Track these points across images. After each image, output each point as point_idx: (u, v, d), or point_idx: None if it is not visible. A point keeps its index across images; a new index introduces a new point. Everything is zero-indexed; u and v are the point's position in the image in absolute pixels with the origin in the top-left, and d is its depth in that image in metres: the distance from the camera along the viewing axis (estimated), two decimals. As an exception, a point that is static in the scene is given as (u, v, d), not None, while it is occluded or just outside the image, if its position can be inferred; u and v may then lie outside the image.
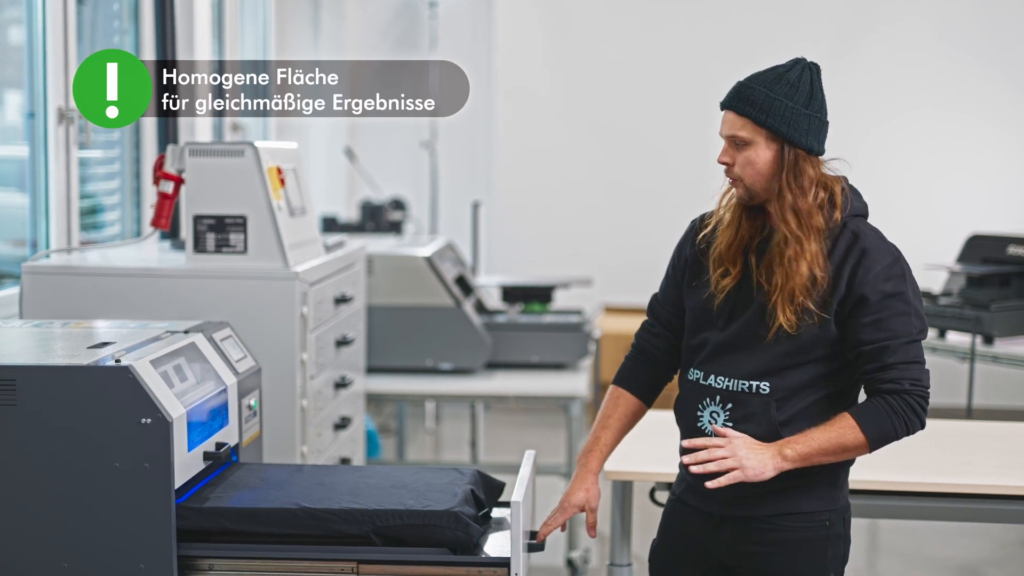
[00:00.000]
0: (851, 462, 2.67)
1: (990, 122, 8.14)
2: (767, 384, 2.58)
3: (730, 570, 2.69)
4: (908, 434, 2.56)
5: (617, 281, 7.93)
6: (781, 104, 2.55)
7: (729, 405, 2.61)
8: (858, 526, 5.72)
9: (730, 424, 2.61)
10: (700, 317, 2.68)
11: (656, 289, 2.87)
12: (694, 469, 2.53)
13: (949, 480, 3.31)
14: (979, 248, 6.03)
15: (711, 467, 2.51)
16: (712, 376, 2.64)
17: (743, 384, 2.60)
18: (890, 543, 5.69)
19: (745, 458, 2.50)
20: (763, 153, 2.56)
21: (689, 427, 2.69)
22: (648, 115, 8.30)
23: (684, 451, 2.75)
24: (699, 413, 2.66)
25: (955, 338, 5.86)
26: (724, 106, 2.60)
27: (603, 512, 3.55)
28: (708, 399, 2.64)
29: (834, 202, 2.59)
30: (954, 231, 7.17)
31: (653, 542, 2.84)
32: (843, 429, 2.52)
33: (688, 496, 2.73)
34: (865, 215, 2.65)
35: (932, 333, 5.91)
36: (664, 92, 8.30)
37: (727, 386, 2.62)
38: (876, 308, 2.53)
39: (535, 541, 2.72)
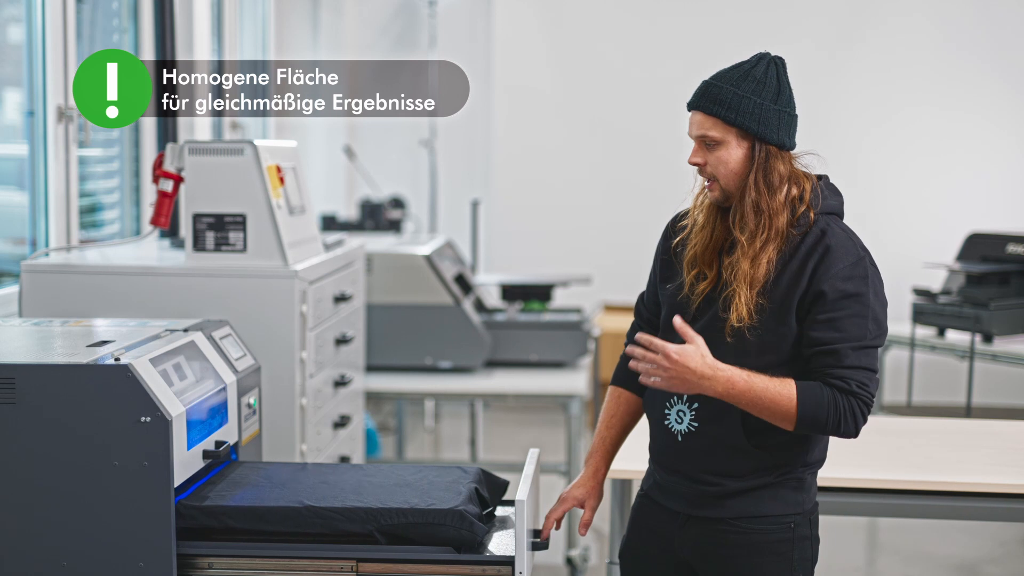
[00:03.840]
0: (820, 465, 2.66)
1: (990, 120, 8.14)
2: None
3: (695, 570, 2.68)
4: (836, 434, 2.52)
5: (616, 279, 7.93)
6: (750, 101, 2.53)
7: (695, 404, 2.59)
8: (857, 524, 5.73)
9: (696, 425, 2.59)
10: (671, 314, 2.65)
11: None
12: (638, 367, 2.48)
13: (948, 478, 3.32)
14: (978, 246, 6.03)
15: (651, 378, 2.47)
16: None
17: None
18: (889, 541, 5.70)
19: (670, 381, 2.45)
20: (735, 152, 2.55)
21: (657, 425, 2.68)
22: (647, 113, 8.30)
23: (652, 448, 2.74)
24: (666, 411, 2.64)
25: (954, 336, 5.86)
26: (691, 106, 2.59)
27: (602, 510, 3.55)
28: (675, 397, 2.62)
29: (803, 199, 2.57)
30: (953, 229, 7.18)
31: (623, 539, 2.83)
32: (781, 396, 2.46)
33: (655, 493, 2.73)
34: (840, 214, 2.62)
35: (931, 331, 5.92)
36: (663, 90, 8.30)
37: None
38: (832, 306, 2.50)
39: (539, 540, 2.73)
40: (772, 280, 2.53)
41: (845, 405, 2.48)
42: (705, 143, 2.57)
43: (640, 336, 2.51)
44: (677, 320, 2.50)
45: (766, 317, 2.53)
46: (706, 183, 2.61)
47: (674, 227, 2.75)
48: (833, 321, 2.50)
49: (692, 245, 2.64)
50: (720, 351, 2.56)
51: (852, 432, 2.50)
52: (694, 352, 2.45)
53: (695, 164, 2.59)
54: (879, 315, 2.53)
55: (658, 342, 2.46)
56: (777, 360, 2.55)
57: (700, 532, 2.64)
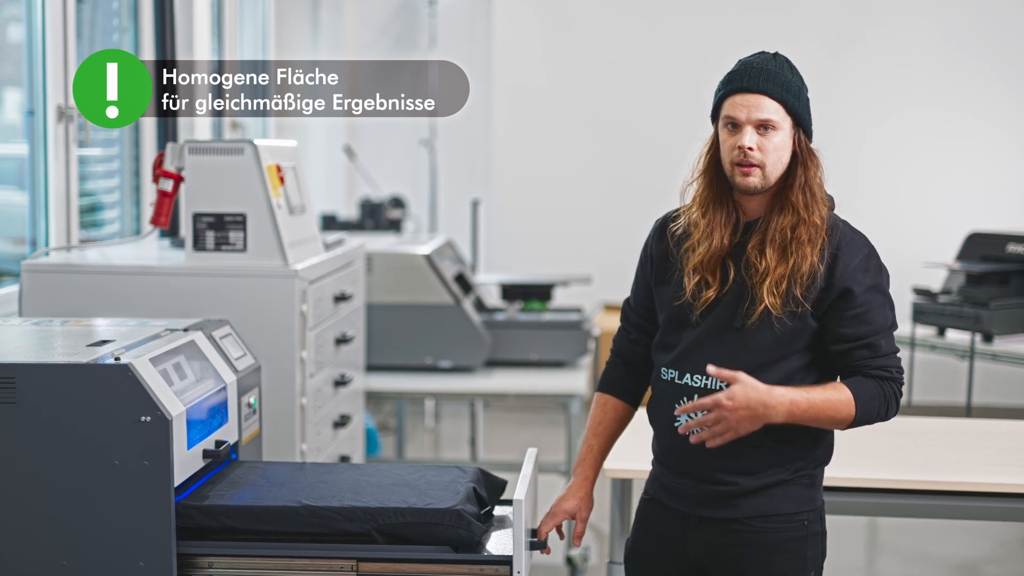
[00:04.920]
0: (829, 460, 2.67)
1: (990, 120, 8.14)
2: None
3: (707, 571, 2.67)
4: (883, 420, 2.58)
5: (616, 279, 7.88)
6: (804, 93, 2.56)
7: None
8: (857, 524, 5.73)
9: (706, 426, 2.58)
10: (673, 316, 2.64)
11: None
12: (691, 439, 2.51)
13: (948, 478, 3.31)
14: (978, 246, 6.03)
15: (704, 435, 2.49)
16: (688, 375, 2.60)
17: (720, 383, 2.56)
18: (889, 541, 5.70)
19: (738, 424, 2.47)
20: (787, 140, 2.54)
21: (664, 427, 2.66)
22: (647, 112, 8.30)
23: (658, 451, 2.74)
24: (676, 413, 2.62)
25: (954, 336, 5.86)
26: (754, 89, 2.52)
27: (603, 510, 3.55)
28: (685, 398, 2.60)
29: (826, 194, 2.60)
30: (953, 229, 7.18)
31: (627, 542, 2.82)
32: (840, 402, 2.51)
33: (663, 497, 2.71)
34: (832, 207, 2.64)
35: (931, 331, 5.92)
36: (663, 89, 8.31)
37: (705, 384, 2.57)
38: (860, 302, 2.53)
39: (537, 539, 2.73)
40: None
41: (890, 392, 2.56)
42: (764, 127, 2.52)
43: (682, 408, 2.52)
44: (711, 368, 2.49)
45: (790, 307, 2.53)
46: (744, 168, 2.53)
47: (666, 228, 2.71)
48: (861, 316, 2.54)
49: (697, 252, 2.60)
50: (729, 346, 2.56)
51: (894, 413, 2.60)
52: (743, 389, 2.46)
53: (751, 148, 2.51)
54: (891, 299, 2.60)
55: (705, 400, 2.47)
56: (789, 352, 2.55)
57: (713, 533, 2.63)
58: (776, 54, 2.59)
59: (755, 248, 2.55)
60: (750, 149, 2.51)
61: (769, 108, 2.51)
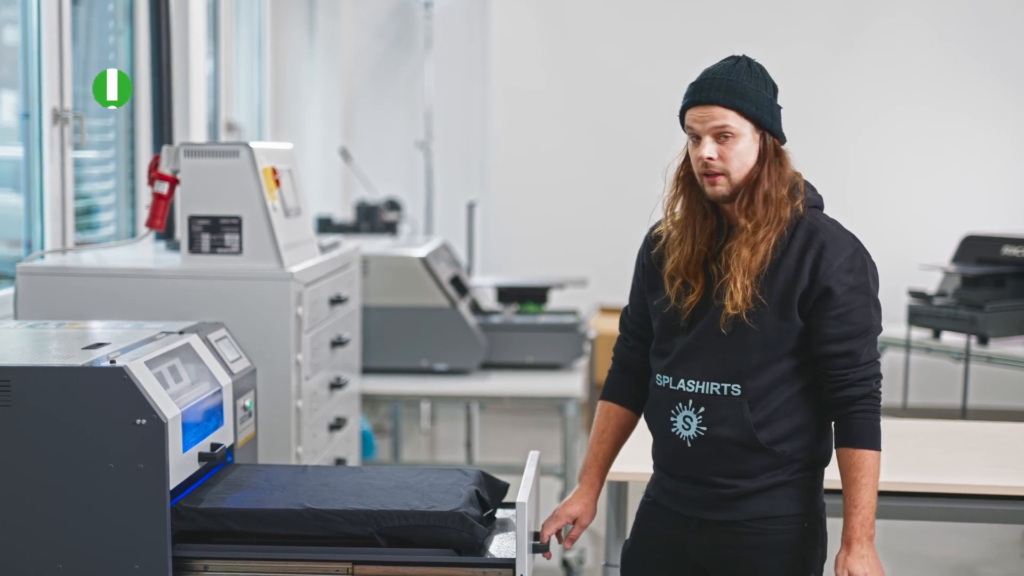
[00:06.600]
0: (828, 462, 2.68)
1: (986, 121, 8.15)
2: (738, 386, 2.57)
3: (708, 573, 2.68)
4: None
5: (612, 281, 7.89)
6: (761, 95, 2.55)
7: (702, 409, 2.59)
8: (853, 526, 5.72)
9: (704, 429, 2.59)
10: (665, 324, 2.67)
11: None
12: None
13: (944, 480, 3.32)
14: (974, 248, 6.04)
15: None
16: (682, 380, 2.62)
17: (714, 387, 2.58)
18: (886, 542, 5.69)
19: None
20: (750, 145, 2.55)
21: (663, 432, 2.67)
22: (644, 115, 8.29)
23: (657, 455, 2.75)
24: (672, 419, 2.64)
25: (950, 338, 5.86)
26: (704, 100, 2.55)
27: (599, 513, 3.55)
28: (680, 404, 2.62)
29: (795, 193, 2.59)
30: (949, 231, 7.18)
31: (625, 544, 2.83)
32: (873, 471, 2.56)
33: (663, 499, 2.72)
34: (821, 207, 2.65)
35: (927, 333, 5.92)
36: (660, 92, 8.28)
37: (699, 389, 2.60)
38: (842, 302, 2.54)
39: (539, 542, 2.73)
40: (768, 273, 2.54)
41: (878, 406, 2.59)
42: (721, 136, 2.54)
43: None
44: None
45: (766, 313, 2.54)
46: (709, 178, 2.56)
47: (651, 239, 2.74)
48: (843, 316, 2.55)
49: (672, 259, 2.63)
50: (720, 350, 2.56)
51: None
52: (858, 566, 2.54)
53: (710, 159, 2.54)
54: (878, 299, 2.60)
55: None
56: (780, 353, 2.57)
57: (715, 535, 2.64)
58: (739, 59, 2.60)
59: (726, 253, 2.58)
60: (711, 159, 2.54)
61: (723, 116, 2.54)
